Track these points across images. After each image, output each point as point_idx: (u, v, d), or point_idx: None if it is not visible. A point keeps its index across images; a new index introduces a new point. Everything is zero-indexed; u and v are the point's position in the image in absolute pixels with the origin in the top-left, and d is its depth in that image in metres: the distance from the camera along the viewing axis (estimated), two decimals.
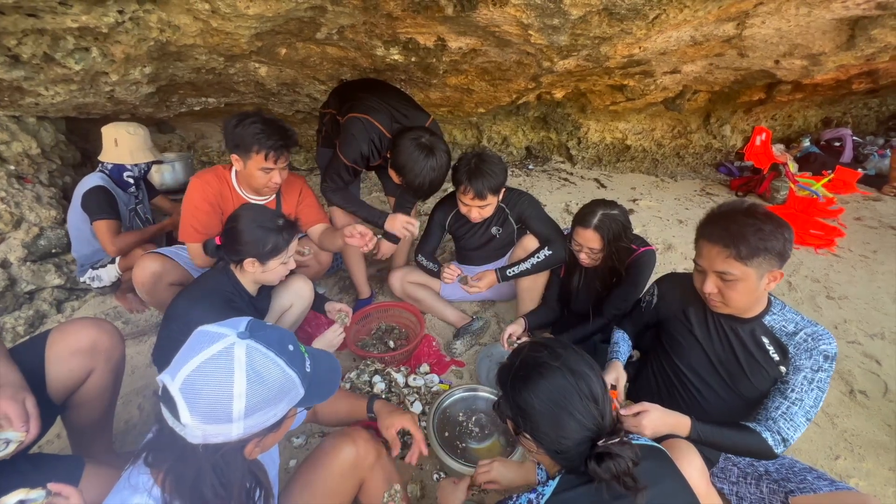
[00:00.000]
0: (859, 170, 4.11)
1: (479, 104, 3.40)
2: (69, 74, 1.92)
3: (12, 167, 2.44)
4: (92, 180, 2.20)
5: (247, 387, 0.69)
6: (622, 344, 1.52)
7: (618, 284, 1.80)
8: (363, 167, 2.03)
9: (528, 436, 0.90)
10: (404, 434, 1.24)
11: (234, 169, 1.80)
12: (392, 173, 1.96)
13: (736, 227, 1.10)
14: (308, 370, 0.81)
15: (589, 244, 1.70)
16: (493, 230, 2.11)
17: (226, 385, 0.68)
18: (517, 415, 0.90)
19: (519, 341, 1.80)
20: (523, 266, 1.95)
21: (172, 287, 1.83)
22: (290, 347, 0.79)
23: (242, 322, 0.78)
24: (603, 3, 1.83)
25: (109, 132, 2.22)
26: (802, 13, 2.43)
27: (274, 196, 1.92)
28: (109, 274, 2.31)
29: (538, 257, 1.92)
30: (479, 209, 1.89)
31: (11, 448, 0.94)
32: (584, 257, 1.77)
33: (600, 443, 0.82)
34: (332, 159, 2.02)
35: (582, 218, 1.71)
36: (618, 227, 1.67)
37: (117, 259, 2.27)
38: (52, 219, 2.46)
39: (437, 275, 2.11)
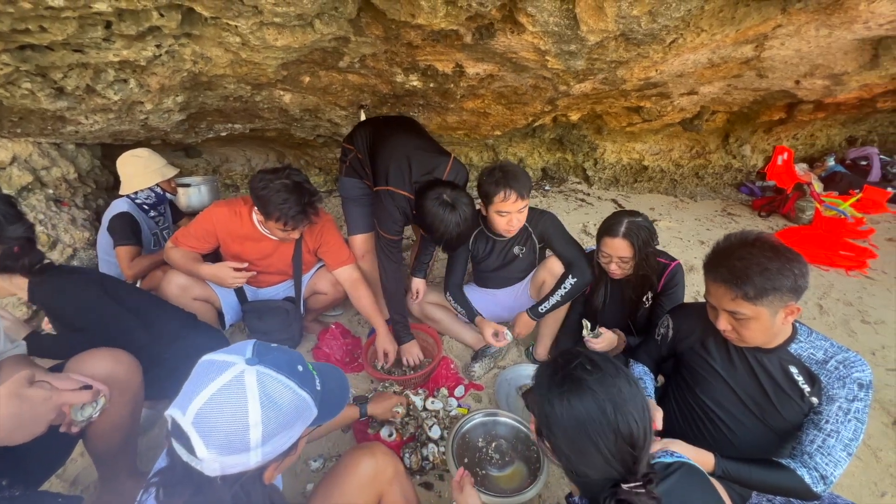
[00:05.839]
0: (888, 189, 3.99)
1: (496, 127, 3.44)
2: (108, 104, 2.03)
3: (51, 191, 2.57)
4: (118, 206, 2.28)
5: (262, 414, 0.68)
6: (647, 380, 1.45)
7: (656, 299, 1.77)
8: (402, 232, 2.07)
9: (547, 444, 0.87)
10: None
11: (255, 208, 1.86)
12: (421, 230, 1.95)
13: (741, 266, 1.05)
14: (318, 388, 0.80)
15: (619, 253, 1.69)
16: (516, 249, 2.08)
17: (240, 415, 0.67)
18: (542, 417, 0.85)
19: (594, 332, 1.73)
20: (553, 299, 1.92)
21: (197, 302, 1.89)
22: (300, 368, 0.78)
23: (248, 347, 0.77)
24: (620, 29, 1.86)
25: (120, 168, 2.30)
26: (823, 34, 2.42)
27: None
28: None
29: (565, 287, 1.89)
30: (518, 214, 1.86)
31: (102, 401, 1.06)
32: (614, 268, 1.74)
33: (624, 486, 0.76)
34: (378, 237, 2.07)
35: (608, 228, 1.70)
36: (646, 234, 1.67)
37: (138, 282, 2.34)
38: (85, 240, 2.56)
39: (470, 318, 2.09)
